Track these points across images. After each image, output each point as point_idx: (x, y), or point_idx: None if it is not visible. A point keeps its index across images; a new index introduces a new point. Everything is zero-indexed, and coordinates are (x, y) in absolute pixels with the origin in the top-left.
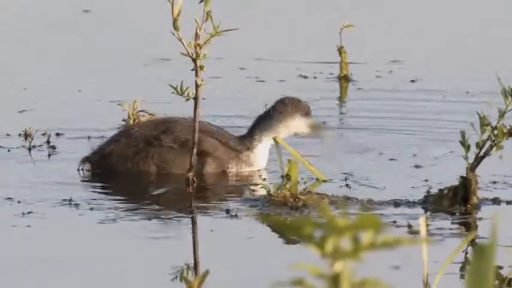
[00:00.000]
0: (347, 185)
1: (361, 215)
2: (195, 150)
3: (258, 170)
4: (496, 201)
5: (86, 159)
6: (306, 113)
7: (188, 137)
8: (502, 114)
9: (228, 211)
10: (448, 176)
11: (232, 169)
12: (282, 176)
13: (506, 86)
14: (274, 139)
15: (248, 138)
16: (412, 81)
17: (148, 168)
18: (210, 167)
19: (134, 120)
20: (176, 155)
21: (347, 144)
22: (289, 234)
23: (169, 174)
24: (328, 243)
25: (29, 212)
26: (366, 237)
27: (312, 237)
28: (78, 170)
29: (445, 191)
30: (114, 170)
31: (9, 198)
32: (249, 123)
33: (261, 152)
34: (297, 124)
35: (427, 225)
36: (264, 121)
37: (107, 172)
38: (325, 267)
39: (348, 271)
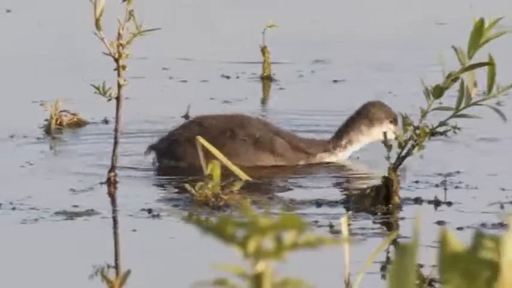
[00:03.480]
0: (270, 185)
1: (284, 214)
2: (117, 151)
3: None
4: (417, 200)
5: (152, 148)
6: (394, 119)
7: (261, 133)
8: (424, 114)
9: (150, 211)
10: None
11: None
12: (204, 176)
13: (428, 86)
14: (197, 139)
15: (333, 143)
16: (335, 81)
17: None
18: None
19: (56, 121)
20: (248, 149)
21: None
22: (211, 234)
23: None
24: (250, 243)
25: None
26: (288, 237)
27: (234, 237)
28: (145, 157)
29: (367, 191)
30: (179, 158)
31: None
32: (172, 123)
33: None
34: (383, 130)
35: (349, 224)
36: (354, 126)
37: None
38: (248, 267)
39: (270, 271)
